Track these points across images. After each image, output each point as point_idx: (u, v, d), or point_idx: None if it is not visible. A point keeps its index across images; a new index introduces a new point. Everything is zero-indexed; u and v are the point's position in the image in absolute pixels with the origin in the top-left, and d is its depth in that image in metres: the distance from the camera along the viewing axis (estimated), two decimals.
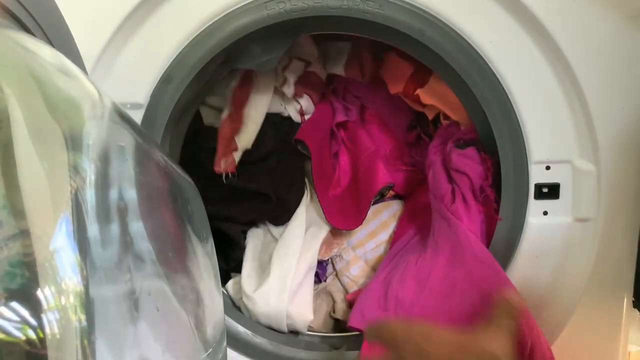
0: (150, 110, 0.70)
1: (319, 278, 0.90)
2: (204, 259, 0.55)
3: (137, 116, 0.71)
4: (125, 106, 0.70)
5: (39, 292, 0.33)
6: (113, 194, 0.37)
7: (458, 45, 0.67)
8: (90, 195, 0.34)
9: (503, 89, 0.67)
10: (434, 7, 0.66)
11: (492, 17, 0.65)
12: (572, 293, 0.73)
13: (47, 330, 0.32)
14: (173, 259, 0.44)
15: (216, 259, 0.58)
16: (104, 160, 0.36)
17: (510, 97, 0.67)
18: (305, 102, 0.93)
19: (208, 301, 0.49)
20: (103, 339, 0.33)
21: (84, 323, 0.31)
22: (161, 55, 0.69)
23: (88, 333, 0.31)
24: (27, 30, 0.46)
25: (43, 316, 0.32)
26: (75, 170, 0.34)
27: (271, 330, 0.81)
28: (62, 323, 0.31)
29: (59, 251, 0.35)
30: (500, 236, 0.72)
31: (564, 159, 0.69)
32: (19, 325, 0.32)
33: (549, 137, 0.68)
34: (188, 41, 0.68)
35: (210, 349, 0.52)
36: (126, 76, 0.69)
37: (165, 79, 0.69)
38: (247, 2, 0.67)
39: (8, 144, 0.35)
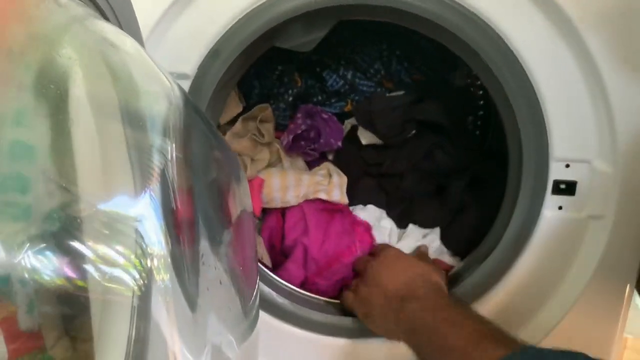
0: (197, 82, 0.75)
1: None
2: (248, 230, 0.60)
3: (185, 86, 0.75)
4: (172, 75, 0.75)
5: (79, 245, 0.37)
6: (188, 174, 0.42)
7: (493, 42, 0.70)
8: (173, 174, 0.39)
9: (533, 89, 0.70)
10: (475, 5, 0.69)
11: (528, 18, 0.68)
12: (578, 283, 0.77)
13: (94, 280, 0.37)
14: (225, 233, 0.49)
15: (256, 230, 0.64)
16: (183, 143, 0.41)
17: (538, 97, 0.70)
18: None
19: (248, 268, 0.55)
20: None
21: (168, 282, 0.37)
22: (210, 31, 0.73)
23: (172, 290, 0.37)
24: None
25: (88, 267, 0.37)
26: (160, 151, 0.39)
27: (292, 292, 0.88)
28: (145, 282, 0.36)
29: (136, 217, 0.40)
30: (516, 225, 0.77)
31: (583, 158, 0.73)
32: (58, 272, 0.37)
33: (571, 138, 0.72)
34: (236, 19, 0.72)
35: (251, 314, 0.58)
36: (176, 48, 0.73)
37: (214, 54, 0.73)
38: None
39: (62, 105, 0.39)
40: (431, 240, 0.93)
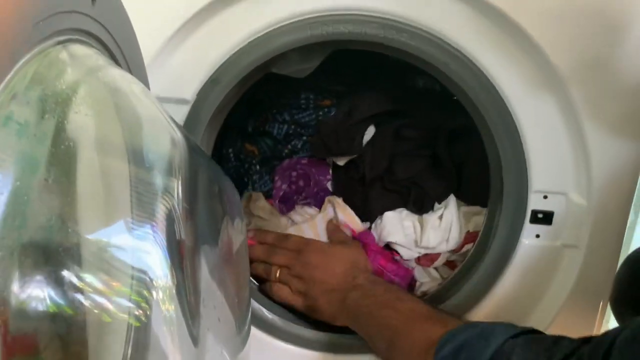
0: (196, 108, 0.78)
1: None
2: (237, 236, 0.64)
3: (183, 111, 0.79)
4: (172, 100, 0.78)
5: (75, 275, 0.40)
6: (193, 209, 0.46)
7: (478, 78, 0.74)
8: (179, 209, 0.43)
9: (515, 126, 0.74)
10: (459, 43, 0.73)
11: (516, 62, 0.72)
12: (552, 306, 0.82)
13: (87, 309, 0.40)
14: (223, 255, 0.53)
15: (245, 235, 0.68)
16: (187, 181, 0.45)
17: (521, 134, 0.74)
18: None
19: (242, 284, 0.59)
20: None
21: (172, 313, 0.40)
22: (210, 59, 0.76)
23: (176, 321, 0.40)
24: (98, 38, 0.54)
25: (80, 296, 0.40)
26: (167, 190, 0.43)
27: (282, 308, 0.91)
28: (147, 313, 0.40)
29: (137, 249, 0.43)
30: (495, 252, 0.81)
31: (560, 191, 0.77)
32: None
33: (549, 172, 0.76)
34: (236, 49, 0.75)
35: (243, 329, 0.61)
36: (177, 74, 0.77)
37: (213, 81, 0.77)
38: (292, 20, 0.74)
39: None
40: (450, 210, 0.97)
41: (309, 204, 1.01)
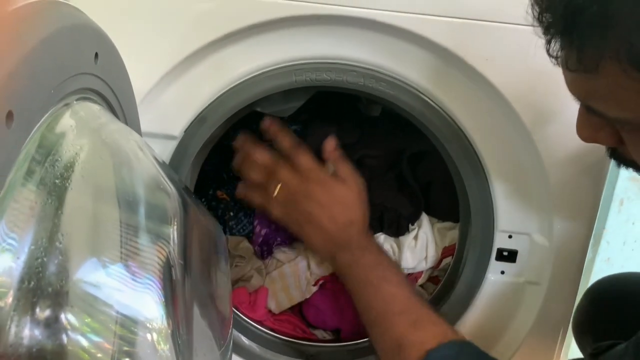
0: (183, 144, 0.82)
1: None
2: (222, 276, 0.68)
3: (170, 146, 0.82)
4: (160, 136, 0.82)
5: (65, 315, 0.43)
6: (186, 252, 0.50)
7: (448, 124, 0.79)
8: (174, 256, 0.47)
9: (483, 169, 0.80)
10: (432, 92, 0.78)
11: (478, 105, 0.78)
12: (516, 338, 0.87)
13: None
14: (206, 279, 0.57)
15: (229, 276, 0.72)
16: (181, 227, 0.49)
17: (488, 178, 0.80)
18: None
19: (226, 323, 0.63)
20: None
21: (167, 352, 0.44)
22: (199, 99, 0.80)
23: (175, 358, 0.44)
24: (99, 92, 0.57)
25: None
26: (162, 237, 0.47)
27: (259, 334, 0.95)
28: (147, 352, 0.43)
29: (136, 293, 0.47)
30: (462, 287, 0.86)
31: (524, 231, 0.83)
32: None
33: (514, 213, 0.82)
34: (223, 91, 0.79)
35: (222, 348, 0.65)
36: (166, 112, 0.80)
37: (200, 120, 0.80)
38: (277, 66, 0.78)
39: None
40: (424, 229, 1.01)
41: (287, 245, 1.04)
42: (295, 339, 0.98)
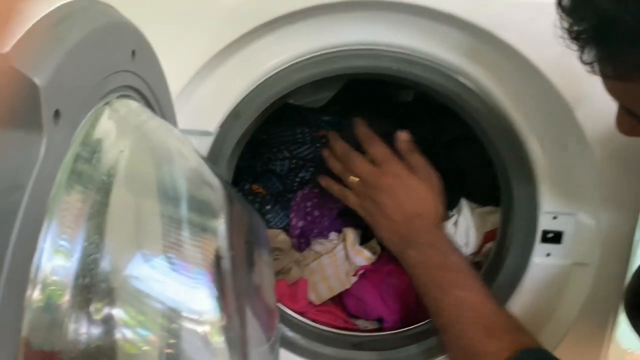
0: (219, 139, 0.82)
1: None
2: (265, 269, 0.68)
3: (207, 142, 0.82)
4: (196, 133, 0.82)
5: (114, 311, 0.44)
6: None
7: (486, 106, 0.77)
8: (228, 254, 0.47)
9: (524, 150, 0.78)
10: (469, 73, 0.76)
11: (516, 83, 0.76)
12: (564, 323, 0.85)
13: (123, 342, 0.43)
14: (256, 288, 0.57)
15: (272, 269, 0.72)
16: (228, 222, 0.49)
17: (530, 159, 0.78)
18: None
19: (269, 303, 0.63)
20: None
21: (222, 344, 0.44)
22: (233, 93, 0.80)
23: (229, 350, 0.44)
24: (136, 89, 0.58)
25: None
26: (211, 231, 0.47)
27: (302, 326, 0.95)
28: (197, 344, 0.43)
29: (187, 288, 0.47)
30: (507, 271, 0.85)
31: (569, 211, 0.81)
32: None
33: (559, 194, 0.79)
34: (256, 85, 0.79)
35: (271, 340, 0.65)
36: (201, 108, 0.80)
37: (234, 115, 0.80)
38: (309, 56, 0.78)
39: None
40: (464, 215, 0.99)
41: (324, 236, 1.04)
42: (337, 329, 0.98)
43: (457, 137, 1.00)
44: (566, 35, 0.50)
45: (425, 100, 1.06)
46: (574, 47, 0.51)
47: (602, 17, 0.46)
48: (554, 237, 0.82)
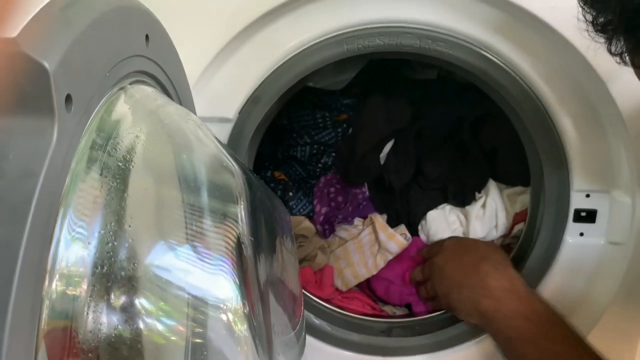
0: (239, 125, 0.80)
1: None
2: (289, 256, 0.67)
3: (226, 129, 0.81)
4: (215, 120, 0.81)
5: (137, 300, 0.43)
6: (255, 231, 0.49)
7: (514, 81, 0.74)
8: (248, 240, 0.46)
9: (555, 127, 0.75)
10: (495, 48, 0.73)
11: (546, 57, 0.72)
12: (599, 304, 0.82)
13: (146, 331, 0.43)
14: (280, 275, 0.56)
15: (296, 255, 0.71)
16: (249, 208, 0.48)
17: (560, 136, 0.75)
18: None
19: (297, 301, 0.61)
20: None
21: (245, 331, 0.43)
22: (251, 78, 0.78)
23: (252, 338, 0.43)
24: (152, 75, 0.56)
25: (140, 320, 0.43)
26: (232, 218, 0.46)
27: (329, 313, 0.94)
28: (222, 333, 0.42)
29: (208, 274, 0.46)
30: (539, 252, 0.82)
31: (603, 189, 0.77)
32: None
33: (591, 171, 0.76)
34: (274, 68, 0.77)
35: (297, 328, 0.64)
36: (219, 94, 0.79)
37: (254, 100, 0.79)
38: (328, 36, 0.76)
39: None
40: (492, 196, 0.97)
41: (348, 222, 1.02)
42: (364, 315, 0.97)
43: (484, 115, 0.97)
44: (591, 28, 0.48)
45: (449, 78, 1.03)
46: (601, 39, 0.49)
47: (627, 6, 0.44)
48: (587, 216, 0.79)
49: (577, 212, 0.79)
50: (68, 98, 0.35)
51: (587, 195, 0.78)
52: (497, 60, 0.74)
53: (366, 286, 1.01)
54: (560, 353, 0.67)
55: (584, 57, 0.70)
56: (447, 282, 0.83)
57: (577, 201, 0.79)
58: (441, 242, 0.90)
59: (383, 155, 1.02)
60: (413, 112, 1.00)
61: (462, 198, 0.99)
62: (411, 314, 0.97)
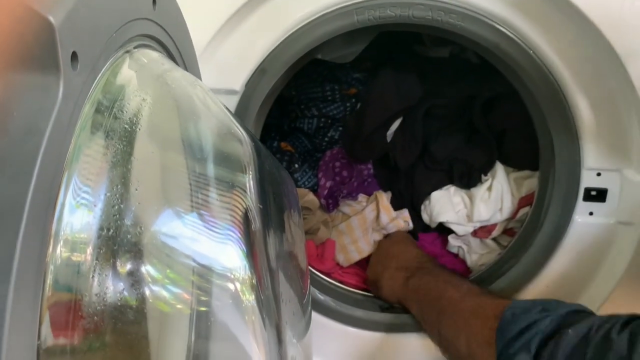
0: (245, 98, 0.79)
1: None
2: (296, 229, 0.66)
3: (233, 101, 0.80)
4: (221, 91, 0.80)
5: (142, 267, 0.42)
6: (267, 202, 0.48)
7: (529, 57, 0.73)
8: (257, 210, 0.45)
9: (568, 103, 0.73)
10: (508, 21, 0.71)
11: (563, 34, 0.71)
12: (606, 284, 0.81)
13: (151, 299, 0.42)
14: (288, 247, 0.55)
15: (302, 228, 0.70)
16: (257, 176, 0.47)
17: (572, 112, 0.73)
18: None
19: (304, 275, 0.61)
20: None
21: (253, 302, 0.42)
22: (258, 49, 0.77)
23: (259, 310, 0.42)
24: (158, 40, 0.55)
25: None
26: (239, 187, 0.45)
27: (332, 288, 0.93)
28: (227, 302, 0.42)
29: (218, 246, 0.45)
30: (547, 230, 0.81)
31: (614, 168, 0.76)
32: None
33: (603, 149, 0.75)
34: (282, 39, 0.76)
35: (304, 301, 0.63)
36: (225, 66, 0.77)
37: (260, 71, 0.77)
38: (338, 7, 0.74)
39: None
40: (499, 179, 0.96)
41: (353, 198, 1.01)
42: (366, 292, 0.96)
43: (495, 96, 0.96)
44: None
45: (462, 57, 1.01)
46: None
47: None
48: (597, 195, 0.78)
49: (588, 190, 0.78)
50: (74, 56, 0.34)
51: (598, 174, 0.77)
52: (510, 34, 0.72)
53: (365, 264, 1.01)
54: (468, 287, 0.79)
55: (602, 34, 0.68)
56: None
57: (588, 180, 0.77)
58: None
59: (390, 133, 1.01)
60: (423, 90, 0.98)
61: (468, 180, 0.98)
62: None
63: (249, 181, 0.46)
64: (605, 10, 0.67)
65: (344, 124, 1.03)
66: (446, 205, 0.97)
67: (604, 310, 0.80)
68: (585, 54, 0.71)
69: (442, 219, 0.96)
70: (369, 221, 0.99)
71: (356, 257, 0.98)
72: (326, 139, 1.03)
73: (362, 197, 1.03)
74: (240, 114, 0.80)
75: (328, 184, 1.00)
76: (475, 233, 0.98)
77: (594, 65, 0.71)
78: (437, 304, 0.79)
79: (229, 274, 0.43)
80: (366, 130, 0.97)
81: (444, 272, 0.86)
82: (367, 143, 0.99)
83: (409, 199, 1.00)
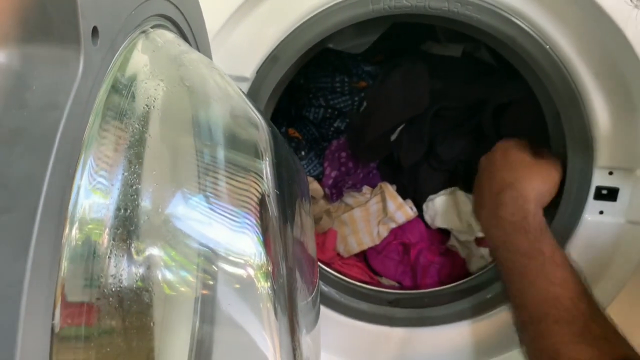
0: (256, 85, 0.78)
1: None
2: (306, 218, 0.65)
3: (243, 88, 0.78)
4: (232, 78, 0.78)
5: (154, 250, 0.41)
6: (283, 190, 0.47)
7: (544, 53, 0.72)
8: (273, 196, 0.44)
9: (582, 101, 0.72)
10: (528, 16, 0.70)
11: (581, 29, 0.70)
12: (615, 284, 0.81)
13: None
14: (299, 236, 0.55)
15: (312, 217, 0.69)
16: (273, 164, 0.46)
17: (586, 110, 0.72)
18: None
19: (313, 263, 0.60)
20: None
21: (268, 289, 0.42)
22: (270, 37, 0.75)
23: (273, 298, 0.42)
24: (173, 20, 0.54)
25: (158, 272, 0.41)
26: (256, 172, 0.44)
27: (337, 281, 0.92)
28: (242, 288, 0.41)
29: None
30: (556, 229, 0.80)
31: (626, 167, 0.75)
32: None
33: (615, 148, 0.74)
34: (295, 27, 0.75)
35: (314, 292, 0.63)
36: (237, 53, 0.76)
37: (272, 59, 0.76)
38: None
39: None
40: None
41: (357, 189, 1.00)
42: (370, 285, 0.96)
43: (508, 102, 0.94)
44: None
45: (475, 56, 1.00)
46: None
47: None
48: (608, 194, 0.77)
49: (599, 189, 0.77)
50: (94, 31, 0.33)
51: (610, 173, 0.76)
52: (527, 28, 0.71)
53: (363, 257, 1.00)
54: (557, 295, 0.66)
55: (621, 31, 0.67)
56: (477, 191, 0.80)
57: (599, 178, 0.77)
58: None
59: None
60: (433, 90, 0.97)
61: (472, 183, 0.97)
62: (416, 286, 0.96)
63: (266, 167, 0.45)
64: (625, 6, 0.66)
65: (349, 120, 1.02)
66: (450, 212, 0.96)
67: (612, 309, 0.79)
68: (603, 51, 0.70)
69: (445, 225, 0.96)
70: (373, 213, 0.99)
71: (356, 248, 0.98)
72: (332, 129, 1.02)
73: (366, 189, 1.02)
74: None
75: (333, 174, 1.00)
76: (478, 243, 0.97)
77: (612, 62, 0.70)
78: (524, 303, 0.68)
79: (243, 260, 0.42)
80: (370, 136, 0.96)
81: (531, 250, 0.70)
82: (371, 147, 0.97)
83: (412, 195, 0.99)
